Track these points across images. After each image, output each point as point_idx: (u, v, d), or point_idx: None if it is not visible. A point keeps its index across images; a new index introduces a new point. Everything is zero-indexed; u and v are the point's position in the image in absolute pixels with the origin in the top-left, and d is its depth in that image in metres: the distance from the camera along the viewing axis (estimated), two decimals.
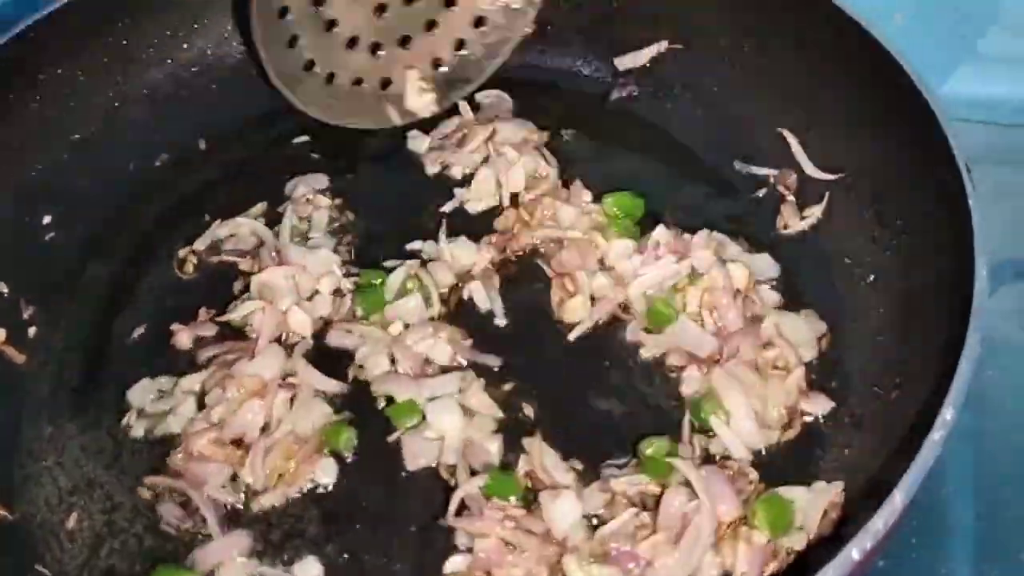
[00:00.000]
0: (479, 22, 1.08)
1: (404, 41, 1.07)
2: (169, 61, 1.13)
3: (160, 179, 1.08)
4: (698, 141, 1.06)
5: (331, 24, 1.04)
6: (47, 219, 1.02)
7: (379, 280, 0.94)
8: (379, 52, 1.06)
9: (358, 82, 1.07)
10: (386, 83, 1.08)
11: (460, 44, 1.08)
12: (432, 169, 1.06)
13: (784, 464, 0.81)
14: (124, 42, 1.10)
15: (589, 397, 0.87)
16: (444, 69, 1.09)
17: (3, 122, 1.00)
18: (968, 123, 1.07)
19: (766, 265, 0.94)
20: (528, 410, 0.86)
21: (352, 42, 1.05)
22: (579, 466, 0.82)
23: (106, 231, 1.03)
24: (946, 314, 0.74)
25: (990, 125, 1.16)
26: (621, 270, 0.95)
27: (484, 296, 0.94)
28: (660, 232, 0.95)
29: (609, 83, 1.11)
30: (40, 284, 0.98)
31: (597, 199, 0.99)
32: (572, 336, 0.91)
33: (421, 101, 1.09)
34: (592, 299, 0.93)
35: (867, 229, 0.91)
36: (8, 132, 1.01)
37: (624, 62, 1.11)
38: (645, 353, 0.90)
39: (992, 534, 0.89)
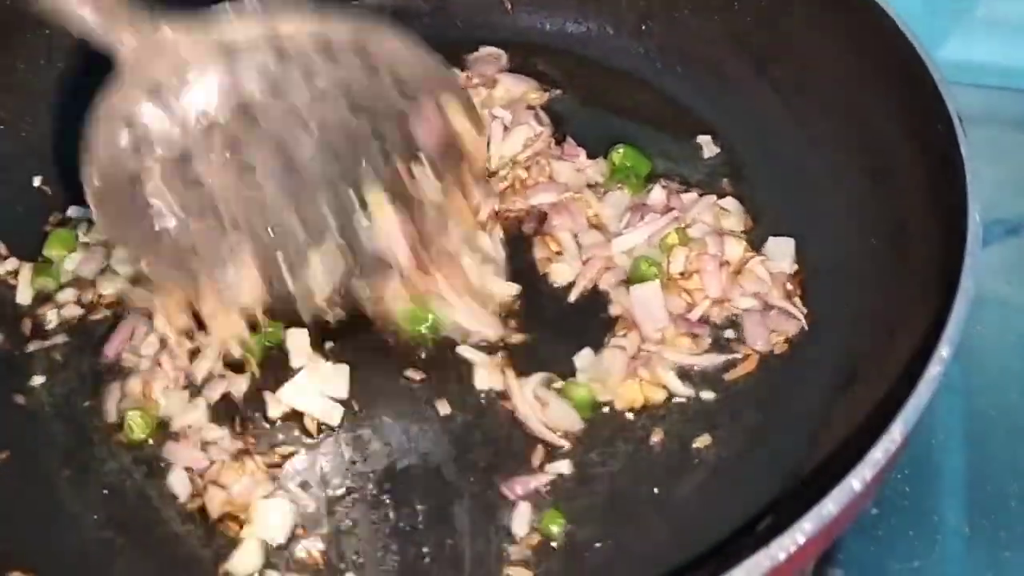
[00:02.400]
0: None
1: None
2: None
3: None
4: (703, 108, 1.05)
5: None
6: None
7: None
8: None
9: None
10: None
11: None
12: None
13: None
14: None
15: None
16: None
17: None
18: (959, 85, 1.08)
19: (782, 253, 0.92)
20: None
21: None
22: None
23: None
24: (941, 257, 0.75)
25: (981, 88, 1.18)
26: (611, 228, 0.95)
27: (491, 245, 0.93)
28: (657, 192, 0.96)
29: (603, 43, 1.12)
30: None
31: (591, 156, 1.00)
32: (572, 297, 0.91)
33: None
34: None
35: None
36: None
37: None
38: (612, 311, 0.90)
39: (982, 484, 0.90)
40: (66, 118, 1.02)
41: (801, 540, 0.60)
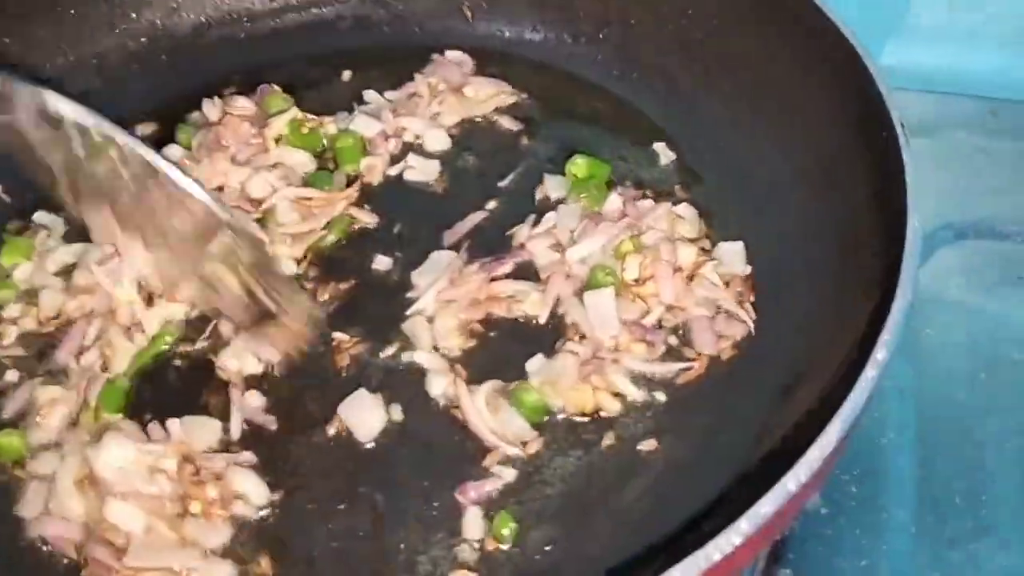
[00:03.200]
0: None
1: None
2: (117, 32, 1.13)
3: None
4: (657, 114, 1.07)
5: None
6: None
7: None
8: None
9: None
10: None
11: None
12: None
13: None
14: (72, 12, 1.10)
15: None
16: None
17: None
18: (905, 91, 1.10)
19: (733, 257, 0.93)
20: None
21: None
22: None
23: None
24: (883, 262, 0.76)
25: (933, 94, 1.20)
26: (563, 238, 0.96)
27: None
28: (613, 199, 0.97)
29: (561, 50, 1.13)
30: None
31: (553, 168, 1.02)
32: (542, 320, 0.91)
33: None
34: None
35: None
36: None
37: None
38: (567, 318, 0.91)
39: (929, 483, 0.92)
40: None
41: (737, 540, 0.61)
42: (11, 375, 0.90)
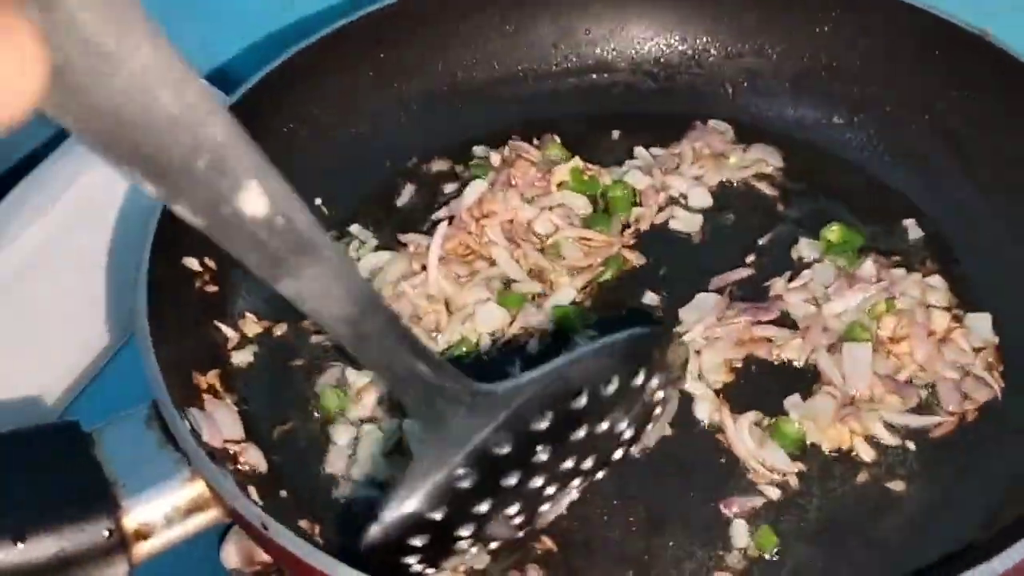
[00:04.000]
0: None
1: None
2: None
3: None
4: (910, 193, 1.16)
5: None
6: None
7: None
8: None
9: None
10: None
11: None
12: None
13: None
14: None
15: None
16: None
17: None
18: None
19: (982, 327, 1.01)
20: None
21: None
22: None
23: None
24: None
25: None
26: (818, 295, 1.06)
27: None
28: (868, 265, 1.06)
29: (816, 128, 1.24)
30: None
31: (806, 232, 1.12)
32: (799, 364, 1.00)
33: None
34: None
35: None
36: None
37: None
38: (821, 367, 0.99)
39: None
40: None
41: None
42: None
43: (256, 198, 0.47)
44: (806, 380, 0.99)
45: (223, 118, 0.45)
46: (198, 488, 0.80)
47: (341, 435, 0.97)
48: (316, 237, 0.53)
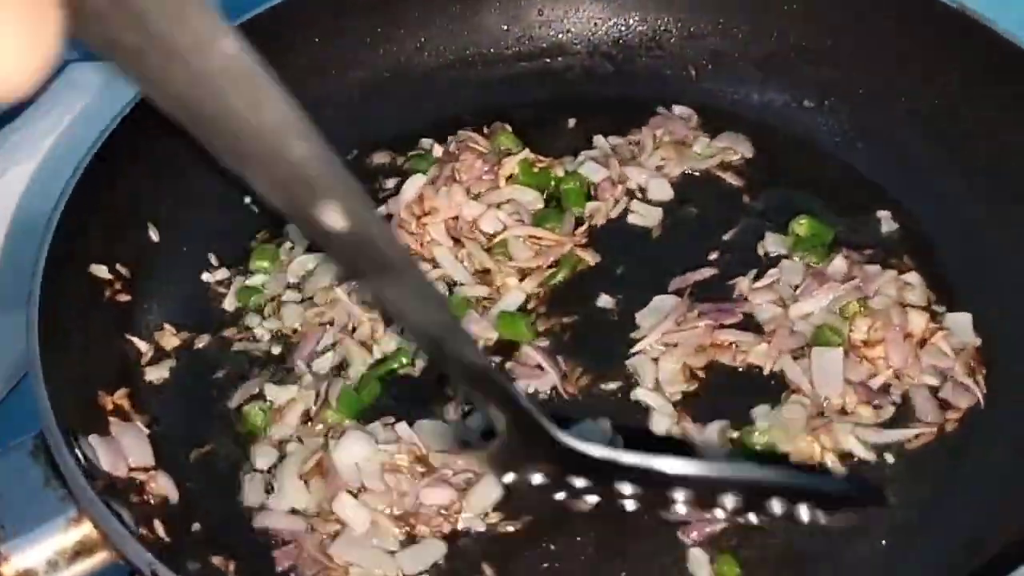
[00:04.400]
0: None
1: None
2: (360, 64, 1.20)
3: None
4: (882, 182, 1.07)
5: None
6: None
7: None
8: None
9: None
10: None
11: None
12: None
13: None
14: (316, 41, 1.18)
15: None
16: None
17: None
18: None
19: (963, 328, 0.93)
20: None
21: None
22: None
23: None
24: None
25: None
26: (784, 295, 0.97)
27: None
28: (839, 261, 0.98)
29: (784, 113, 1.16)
30: None
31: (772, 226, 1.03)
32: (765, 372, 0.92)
33: None
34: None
35: None
36: None
37: None
38: (788, 374, 0.91)
39: None
40: None
41: None
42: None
43: (335, 215, 0.45)
44: (773, 388, 0.91)
45: (304, 135, 0.42)
46: (86, 528, 0.71)
47: (261, 458, 0.89)
48: (398, 259, 0.52)
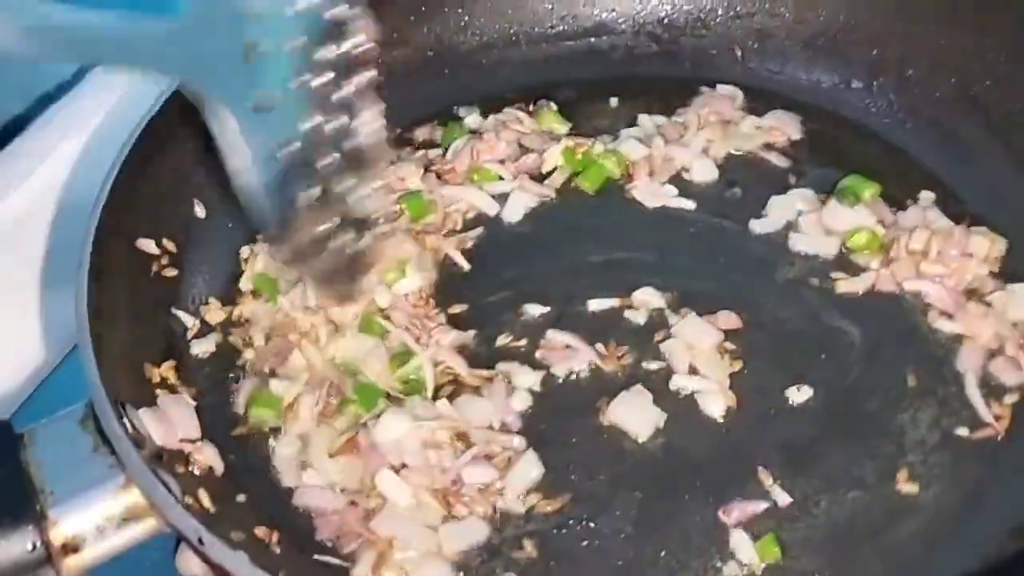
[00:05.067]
0: None
1: None
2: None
3: None
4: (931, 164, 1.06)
5: None
6: None
7: None
8: None
9: None
10: None
11: None
12: None
13: None
14: None
15: None
16: None
17: None
18: None
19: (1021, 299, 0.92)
20: None
21: None
22: None
23: None
24: None
25: None
26: None
27: None
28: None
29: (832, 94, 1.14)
30: None
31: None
32: None
33: None
34: None
35: None
36: None
37: None
38: None
39: None
40: None
41: None
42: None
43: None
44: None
45: None
46: (134, 495, 0.72)
47: (285, 448, 0.87)
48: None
